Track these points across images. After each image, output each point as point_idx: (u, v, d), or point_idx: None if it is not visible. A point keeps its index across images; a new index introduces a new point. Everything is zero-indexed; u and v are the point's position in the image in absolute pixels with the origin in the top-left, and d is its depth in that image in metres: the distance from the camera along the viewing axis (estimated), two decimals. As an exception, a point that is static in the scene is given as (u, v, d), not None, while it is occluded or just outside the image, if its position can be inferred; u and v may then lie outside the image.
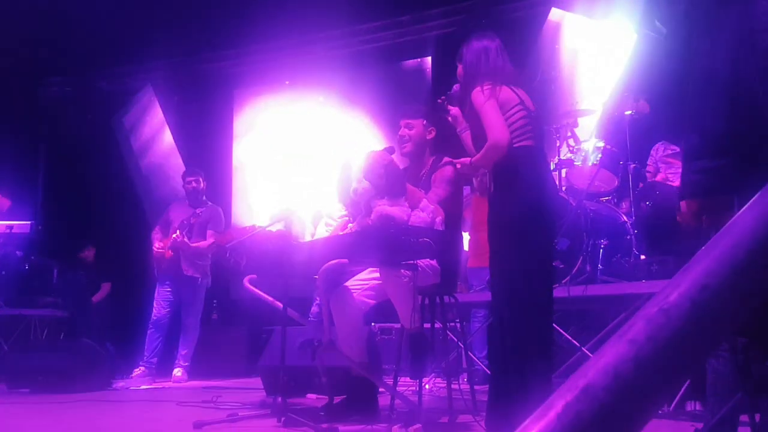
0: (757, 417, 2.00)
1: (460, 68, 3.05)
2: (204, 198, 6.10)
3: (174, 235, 5.70)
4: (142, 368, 5.75)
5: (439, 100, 3.21)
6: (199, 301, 5.90)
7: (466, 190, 5.56)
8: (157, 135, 8.99)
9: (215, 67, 8.66)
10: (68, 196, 8.59)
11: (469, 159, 3.02)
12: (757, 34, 1.16)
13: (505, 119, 2.80)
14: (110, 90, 9.17)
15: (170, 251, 5.74)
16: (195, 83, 8.62)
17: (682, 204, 1.51)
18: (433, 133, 3.70)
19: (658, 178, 4.77)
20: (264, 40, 8.07)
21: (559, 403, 0.50)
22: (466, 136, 3.09)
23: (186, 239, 5.68)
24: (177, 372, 5.77)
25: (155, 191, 8.66)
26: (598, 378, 0.51)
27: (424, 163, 3.66)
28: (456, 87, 3.12)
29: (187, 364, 5.86)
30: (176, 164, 8.52)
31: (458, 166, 3.16)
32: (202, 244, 5.79)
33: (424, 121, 3.70)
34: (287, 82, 8.40)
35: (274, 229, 3.97)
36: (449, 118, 3.17)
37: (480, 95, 2.81)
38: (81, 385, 4.99)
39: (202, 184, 6.05)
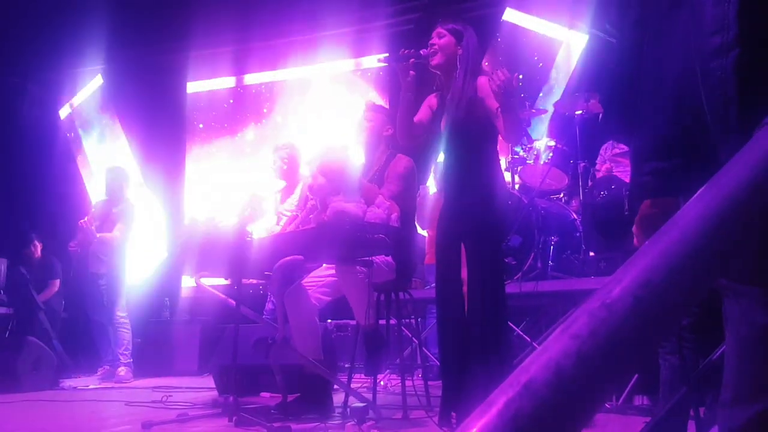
0: (702, 411, 2.06)
1: (448, 39, 2.96)
2: (125, 196, 6.03)
3: (81, 221, 5.64)
4: (107, 367, 5.77)
5: (403, 51, 2.98)
6: (115, 297, 5.78)
7: (425, 189, 5.59)
8: (107, 126, 8.79)
9: (167, 58, 8.48)
10: (15, 189, 8.32)
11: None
12: (703, 38, 1.19)
13: None
14: (59, 80, 8.92)
15: (79, 248, 5.71)
16: (146, 74, 8.43)
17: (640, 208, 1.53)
18: (390, 131, 3.69)
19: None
20: (217, 32, 7.95)
21: (501, 399, 0.51)
22: (407, 101, 2.99)
23: (93, 228, 5.62)
24: (120, 371, 5.68)
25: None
26: (540, 373, 0.51)
27: (378, 157, 3.66)
28: (424, 52, 2.95)
29: (129, 361, 5.77)
30: (126, 156, 8.35)
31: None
32: (106, 235, 5.72)
33: (385, 118, 3.71)
34: (231, 100, 8.35)
35: (228, 223, 3.91)
36: (406, 77, 2.96)
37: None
38: (27, 384, 4.85)
39: (122, 183, 6.00)
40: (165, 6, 7.62)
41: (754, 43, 1.13)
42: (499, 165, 3.00)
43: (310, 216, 4.00)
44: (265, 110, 8.18)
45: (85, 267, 5.76)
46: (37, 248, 6.94)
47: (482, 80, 2.85)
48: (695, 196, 0.63)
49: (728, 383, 1.36)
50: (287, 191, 4.58)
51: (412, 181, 3.57)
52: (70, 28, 7.71)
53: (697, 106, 1.27)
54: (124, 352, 5.76)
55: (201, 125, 8.54)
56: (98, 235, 5.67)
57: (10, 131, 8.68)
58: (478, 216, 2.86)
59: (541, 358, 0.52)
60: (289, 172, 4.76)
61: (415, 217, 4.72)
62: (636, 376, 3.25)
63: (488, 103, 2.82)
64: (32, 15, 7.51)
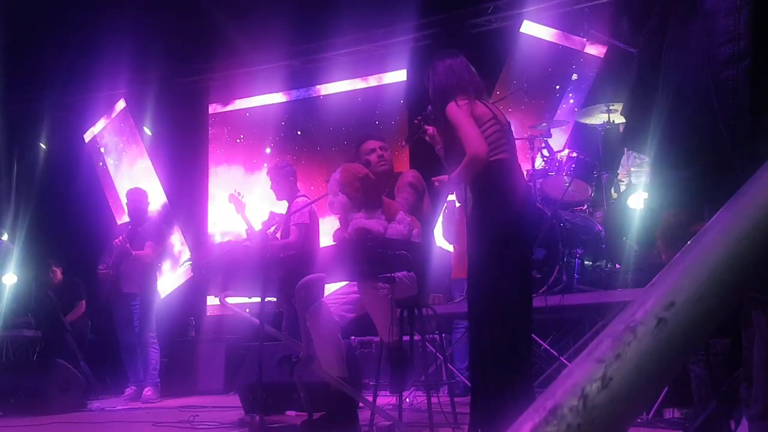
0: (733, 424, 2.02)
1: (430, 90, 3.09)
2: (147, 216, 6.17)
3: (116, 240, 5.72)
4: (134, 388, 5.82)
5: (415, 121, 3.26)
6: (146, 317, 5.84)
7: (452, 203, 5.58)
8: (131, 149, 8.92)
9: (189, 81, 8.61)
10: (40, 212, 8.45)
11: (446, 176, 3.04)
12: (715, 47, 1.18)
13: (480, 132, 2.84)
14: (83, 105, 9.08)
15: (112, 270, 5.76)
16: (169, 97, 8.56)
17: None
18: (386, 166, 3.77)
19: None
20: (238, 54, 8.06)
21: (527, 424, 0.50)
22: (440, 151, 3.13)
23: (127, 245, 5.70)
24: (147, 391, 5.72)
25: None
26: (566, 399, 0.50)
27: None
28: (430, 107, 3.15)
29: (156, 381, 5.81)
30: (150, 179, 8.46)
31: (437, 183, 3.17)
32: (140, 252, 5.79)
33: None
34: (247, 113, 8.42)
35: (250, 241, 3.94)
36: (427, 138, 3.21)
37: (455, 109, 2.84)
38: (55, 406, 4.88)
39: (143, 204, 6.11)
40: (186, 30, 7.74)
41: (765, 52, 1.12)
42: (500, 180, 2.90)
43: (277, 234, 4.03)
44: (282, 123, 8.26)
45: (117, 288, 5.82)
46: (56, 273, 7.02)
47: (449, 106, 2.88)
48: (718, 213, 0.62)
49: (757, 395, 1.33)
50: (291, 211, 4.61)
51: (422, 189, 3.59)
52: (93, 53, 7.85)
53: (712, 115, 1.26)
54: (152, 372, 5.80)
55: (223, 145, 8.63)
56: (134, 253, 5.73)
57: (36, 155, 8.84)
58: (472, 228, 2.88)
59: (566, 382, 0.51)
60: (289, 190, 4.76)
61: (439, 230, 4.73)
62: (666, 389, 3.20)
63: (453, 131, 2.86)
64: (55, 40, 7.67)
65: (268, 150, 8.29)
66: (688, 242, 0.57)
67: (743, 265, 0.54)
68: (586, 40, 6.48)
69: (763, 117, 1.18)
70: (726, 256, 0.55)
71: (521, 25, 6.98)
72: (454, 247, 5.36)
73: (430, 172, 3.53)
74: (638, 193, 4.32)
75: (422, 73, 3.14)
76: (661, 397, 3.27)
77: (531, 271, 3.19)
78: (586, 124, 5.10)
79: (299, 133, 8.16)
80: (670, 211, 1.44)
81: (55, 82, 8.73)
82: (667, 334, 0.52)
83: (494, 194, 2.84)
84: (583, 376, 0.50)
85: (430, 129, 3.17)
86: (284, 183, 4.72)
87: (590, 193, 4.85)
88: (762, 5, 1.16)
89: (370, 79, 7.91)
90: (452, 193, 4.62)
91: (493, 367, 2.71)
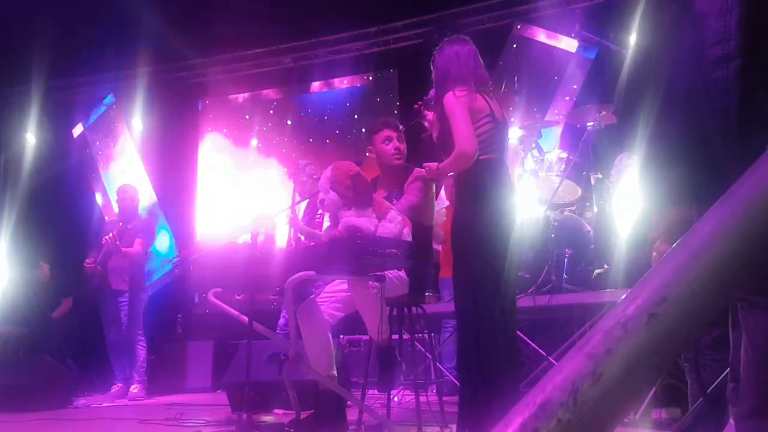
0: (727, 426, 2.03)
1: (433, 73, 3.06)
2: (137, 213, 6.16)
3: (107, 237, 5.68)
4: (120, 385, 5.79)
5: (415, 106, 3.22)
6: (134, 314, 5.81)
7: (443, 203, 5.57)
8: (120, 145, 8.86)
9: (180, 76, 8.57)
10: (28, 208, 8.38)
11: (436, 164, 3.02)
12: (705, 49, 1.18)
13: (473, 129, 2.83)
14: (71, 99, 9.01)
15: (99, 266, 5.73)
16: (159, 92, 8.51)
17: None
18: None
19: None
20: (229, 50, 8.03)
21: (516, 420, 0.49)
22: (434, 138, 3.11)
23: (117, 242, 5.67)
24: (133, 389, 5.70)
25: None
26: (556, 394, 0.50)
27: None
28: (432, 92, 3.13)
29: (143, 378, 5.78)
30: (139, 175, 8.41)
31: (426, 169, 3.14)
32: (129, 249, 5.77)
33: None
34: (247, 116, 8.38)
35: (240, 240, 3.92)
36: (426, 123, 3.18)
37: (453, 101, 2.82)
38: (41, 403, 4.85)
39: (134, 201, 6.09)
40: (177, 24, 7.70)
41: (755, 53, 1.13)
42: (485, 180, 2.91)
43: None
44: (271, 113, 8.23)
45: (106, 284, 5.78)
46: (44, 269, 6.97)
47: (447, 96, 2.86)
48: (708, 212, 0.62)
49: (744, 395, 1.33)
50: (311, 209, 4.57)
51: (430, 190, 3.57)
52: (82, 48, 7.79)
53: (700, 115, 1.26)
54: (140, 369, 5.77)
55: (213, 142, 8.59)
56: (123, 249, 5.70)
57: (23, 151, 8.76)
58: (455, 227, 2.90)
59: (557, 378, 0.51)
60: (312, 189, 4.75)
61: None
62: (653, 389, 3.21)
63: (449, 123, 2.85)
64: (43, 36, 7.60)
65: (254, 141, 8.27)
66: (678, 241, 0.58)
67: (733, 263, 0.54)
68: (578, 41, 6.50)
69: (751, 118, 1.19)
70: (717, 254, 0.55)
71: (514, 26, 6.99)
72: (442, 246, 5.36)
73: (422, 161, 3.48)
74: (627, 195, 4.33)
75: (415, 70, 3.14)
76: (648, 398, 3.28)
77: (517, 271, 3.20)
78: (577, 124, 5.11)
79: (289, 123, 8.13)
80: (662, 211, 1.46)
81: (44, 77, 8.65)
82: (659, 329, 0.51)
83: (477, 193, 2.85)
84: (574, 372, 0.50)
85: (430, 114, 3.14)
86: (307, 183, 4.71)
87: (580, 193, 4.86)
88: (752, 6, 1.17)
89: (362, 78, 7.89)
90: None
91: (477, 367, 2.72)
